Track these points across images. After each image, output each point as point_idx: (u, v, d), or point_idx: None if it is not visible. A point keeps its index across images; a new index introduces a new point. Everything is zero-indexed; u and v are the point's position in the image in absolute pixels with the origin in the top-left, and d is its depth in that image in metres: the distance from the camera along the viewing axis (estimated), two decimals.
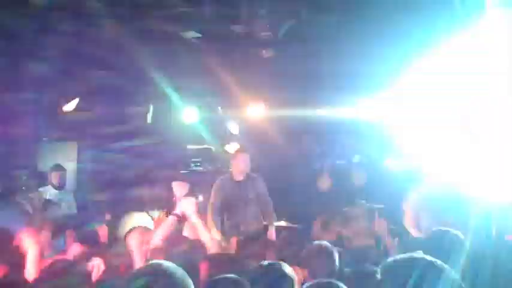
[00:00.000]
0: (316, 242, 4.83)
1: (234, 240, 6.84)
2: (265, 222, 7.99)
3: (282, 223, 8.89)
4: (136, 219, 7.75)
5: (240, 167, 7.89)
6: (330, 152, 10.45)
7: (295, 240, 6.37)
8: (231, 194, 7.92)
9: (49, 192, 8.98)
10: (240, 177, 7.95)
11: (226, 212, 7.97)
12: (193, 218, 5.56)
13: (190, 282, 2.79)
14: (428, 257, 2.75)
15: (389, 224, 7.16)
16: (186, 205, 5.70)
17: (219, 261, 4.28)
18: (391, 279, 2.72)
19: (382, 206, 8.58)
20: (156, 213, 8.17)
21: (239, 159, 7.95)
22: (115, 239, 7.37)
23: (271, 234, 7.81)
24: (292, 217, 8.96)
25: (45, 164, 9.69)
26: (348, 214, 8.52)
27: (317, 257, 4.29)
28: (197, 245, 4.66)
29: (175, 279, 2.77)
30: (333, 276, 3.92)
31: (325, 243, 4.66)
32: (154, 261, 2.99)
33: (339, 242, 8.04)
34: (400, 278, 2.65)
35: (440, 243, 3.99)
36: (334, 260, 4.34)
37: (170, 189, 8.46)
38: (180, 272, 2.82)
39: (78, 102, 8.36)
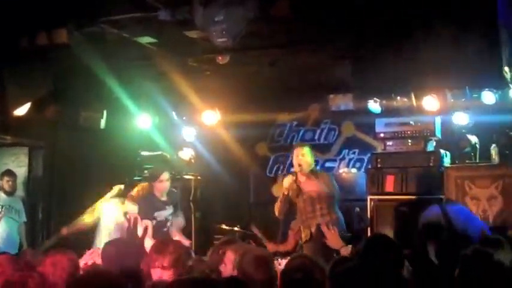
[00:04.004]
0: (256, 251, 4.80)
1: None
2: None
3: (236, 229, 8.87)
4: None
5: (295, 163, 7.59)
6: (284, 160, 10.48)
7: None
8: (293, 191, 7.57)
9: None
10: (302, 175, 7.60)
11: (294, 212, 7.70)
12: None
13: None
14: None
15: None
16: None
17: None
18: None
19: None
20: None
21: (293, 153, 7.67)
22: None
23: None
24: (247, 224, 8.97)
25: None
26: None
27: (254, 266, 4.23)
28: None
29: None
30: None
31: (264, 253, 4.63)
32: None
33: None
34: None
35: None
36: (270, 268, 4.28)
37: None
38: None
39: (30, 106, 8.22)
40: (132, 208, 7.73)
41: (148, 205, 7.75)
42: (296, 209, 7.67)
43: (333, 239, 5.67)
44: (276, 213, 7.69)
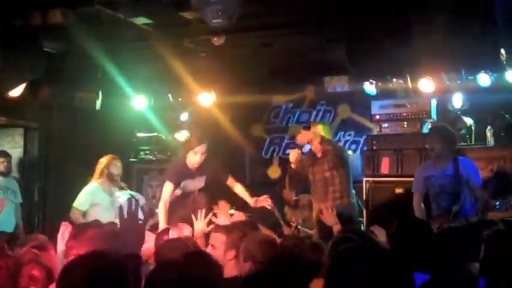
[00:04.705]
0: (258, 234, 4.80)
1: None
2: None
3: (232, 211, 8.86)
4: None
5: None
6: (280, 141, 10.48)
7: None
8: (310, 171, 7.42)
9: None
10: (317, 153, 7.38)
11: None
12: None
13: None
14: None
15: None
16: None
17: None
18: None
19: None
20: None
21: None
22: None
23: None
24: (242, 206, 8.95)
25: None
26: (298, 203, 8.59)
27: (259, 247, 4.25)
28: None
29: None
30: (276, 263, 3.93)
31: (266, 236, 4.64)
32: None
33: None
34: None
35: None
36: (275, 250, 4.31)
37: None
38: None
39: (25, 87, 8.19)
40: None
41: (176, 170, 7.18)
42: (308, 185, 7.61)
43: (328, 215, 5.72)
44: (288, 190, 7.69)
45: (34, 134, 9.91)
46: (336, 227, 5.47)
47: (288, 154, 8.93)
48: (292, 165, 7.54)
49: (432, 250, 3.84)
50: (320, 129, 7.49)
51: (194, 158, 6.99)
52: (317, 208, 7.23)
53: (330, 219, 5.66)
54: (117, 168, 8.01)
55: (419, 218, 5.71)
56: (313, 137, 7.41)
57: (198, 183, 7.23)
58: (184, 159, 7.09)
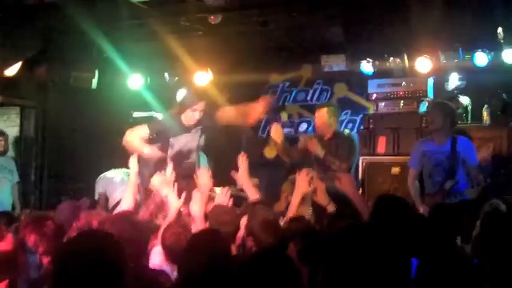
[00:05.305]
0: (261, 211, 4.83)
1: None
2: None
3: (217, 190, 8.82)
4: None
5: (316, 123, 7.47)
6: (278, 121, 10.46)
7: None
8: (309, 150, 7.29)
9: None
10: (324, 136, 7.38)
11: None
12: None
13: None
14: None
15: None
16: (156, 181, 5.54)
17: None
18: None
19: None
20: None
21: (315, 115, 7.52)
22: None
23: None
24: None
25: None
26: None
27: (261, 226, 4.29)
28: None
29: None
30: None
31: (270, 216, 4.67)
32: None
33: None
34: None
35: None
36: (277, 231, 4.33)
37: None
38: None
39: (21, 66, 8.17)
40: None
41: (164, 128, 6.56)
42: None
43: (321, 195, 5.71)
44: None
45: (30, 112, 9.90)
46: (330, 207, 5.46)
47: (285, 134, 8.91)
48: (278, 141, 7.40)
49: (421, 232, 3.84)
50: (323, 113, 7.44)
51: (192, 115, 6.42)
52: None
53: (323, 199, 5.65)
54: None
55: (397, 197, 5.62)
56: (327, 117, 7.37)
57: (192, 137, 6.67)
58: (178, 117, 6.50)
